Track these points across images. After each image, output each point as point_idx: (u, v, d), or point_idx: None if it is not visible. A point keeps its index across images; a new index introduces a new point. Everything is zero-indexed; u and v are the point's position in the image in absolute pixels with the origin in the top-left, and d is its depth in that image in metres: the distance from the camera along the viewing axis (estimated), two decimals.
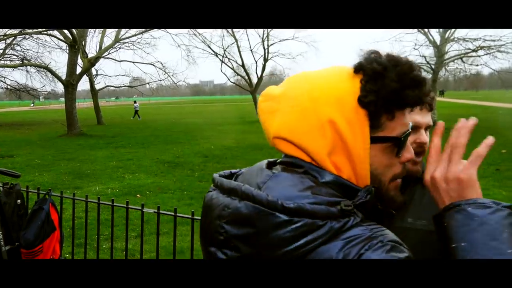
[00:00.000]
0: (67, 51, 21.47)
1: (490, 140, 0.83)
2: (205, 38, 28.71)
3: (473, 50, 21.20)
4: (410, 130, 0.85)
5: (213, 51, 29.39)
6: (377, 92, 0.79)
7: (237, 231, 0.77)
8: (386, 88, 0.79)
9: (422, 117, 1.32)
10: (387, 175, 0.85)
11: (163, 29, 23.71)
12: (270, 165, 0.88)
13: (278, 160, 0.89)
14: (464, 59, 22.23)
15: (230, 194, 0.81)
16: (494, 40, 20.43)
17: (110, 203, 3.28)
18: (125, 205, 3.22)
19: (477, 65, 23.44)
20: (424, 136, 1.33)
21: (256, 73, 30.40)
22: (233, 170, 0.96)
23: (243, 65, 30.08)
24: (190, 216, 2.85)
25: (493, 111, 31.59)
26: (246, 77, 30.34)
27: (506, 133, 16.58)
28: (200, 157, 12.44)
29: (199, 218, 0.94)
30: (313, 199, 0.75)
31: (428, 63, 21.76)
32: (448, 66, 23.10)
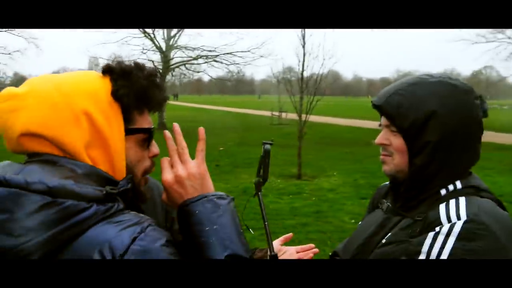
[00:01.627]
0: None
1: (201, 133, 0.95)
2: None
3: (194, 58, 23.40)
4: (153, 127, 0.94)
5: None
6: (128, 87, 0.86)
7: None
8: (136, 84, 0.87)
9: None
10: (140, 169, 0.93)
11: None
12: (16, 163, 0.83)
13: (25, 161, 0.83)
14: (187, 65, 24.25)
15: None
16: (210, 51, 23.03)
17: None
18: None
19: (199, 72, 25.99)
20: None
21: None
22: None
23: None
24: None
25: (213, 113, 35.72)
26: None
27: (223, 132, 19.03)
28: None
29: None
30: (76, 187, 0.74)
31: (156, 67, 22.74)
32: (174, 71, 24.74)
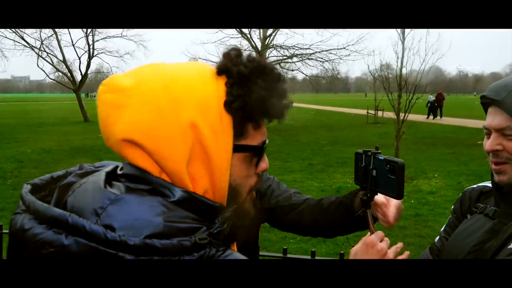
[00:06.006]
0: None
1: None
2: (17, 28, 25.36)
3: (289, 57, 23.55)
4: (267, 140, 0.82)
5: (27, 43, 26.14)
6: (244, 99, 0.74)
7: None
8: (255, 95, 0.74)
9: None
10: (246, 187, 0.82)
11: None
12: (109, 179, 0.75)
13: (120, 171, 0.76)
14: (281, 64, 24.46)
15: (51, 226, 0.65)
16: (305, 49, 23.01)
17: None
18: None
19: (293, 70, 26.05)
20: None
21: (80, 70, 28.05)
22: (56, 174, 0.81)
23: (64, 61, 27.52)
24: None
25: (306, 111, 35.60)
26: (69, 74, 27.88)
27: (316, 130, 18.91)
28: (14, 162, 11.01)
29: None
30: (165, 228, 0.66)
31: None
32: None
